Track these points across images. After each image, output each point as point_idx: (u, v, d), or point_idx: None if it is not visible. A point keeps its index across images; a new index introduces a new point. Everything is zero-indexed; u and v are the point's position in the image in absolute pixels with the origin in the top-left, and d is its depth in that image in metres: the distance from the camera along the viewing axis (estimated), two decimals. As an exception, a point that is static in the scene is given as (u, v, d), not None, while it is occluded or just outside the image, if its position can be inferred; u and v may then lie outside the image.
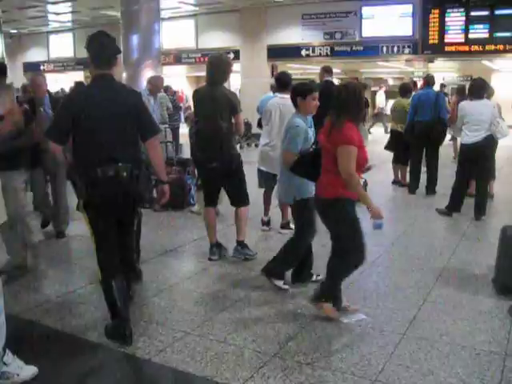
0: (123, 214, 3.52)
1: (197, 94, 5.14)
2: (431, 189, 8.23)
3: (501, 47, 14.60)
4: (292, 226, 6.13)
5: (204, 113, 4.98)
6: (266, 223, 6.19)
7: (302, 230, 4.32)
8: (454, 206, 6.83)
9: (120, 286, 3.43)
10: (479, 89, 6.62)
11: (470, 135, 6.49)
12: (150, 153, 3.53)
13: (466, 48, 15.08)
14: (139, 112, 3.49)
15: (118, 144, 3.35)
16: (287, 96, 5.93)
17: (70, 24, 22.02)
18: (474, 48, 14.98)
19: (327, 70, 7.73)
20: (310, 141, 4.21)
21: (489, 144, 6.60)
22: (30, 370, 3.02)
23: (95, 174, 3.26)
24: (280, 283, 4.34)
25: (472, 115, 6.48)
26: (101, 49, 3.45)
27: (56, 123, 3.48)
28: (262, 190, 6.20)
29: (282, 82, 5.92)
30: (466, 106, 6.64)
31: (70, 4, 17.99)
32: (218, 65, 4.92)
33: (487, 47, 14.78)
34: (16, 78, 22.93)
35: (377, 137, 16.66)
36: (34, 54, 24.49)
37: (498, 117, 6.63)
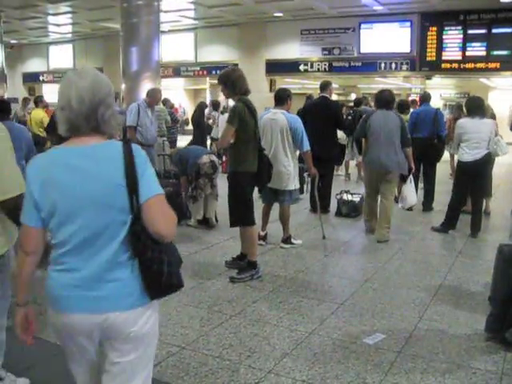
0: None
1: None
2: (428, 205, 8.24)
3: (498, 65, 14.74)
4: (294, 240, 6.12)
5: None
6: (263, 238, 6.16)
7: None
8: (449, 224, 6.83)
9: None
10: (478, 106, 6.62)
11: (470, 153, 6.43)
12: None
13: (464, 65, 15.21)
14: None
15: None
16: (279, 111, 6.03)
17: (70, 35, 22.13)
18: (472, 66, 15.11)
19: (321, 87, 7.93)
20: None
21: (487, 162, 6.64)
22: (23, 383, 3.00)
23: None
24: None
25: (472, 133, 6.43)
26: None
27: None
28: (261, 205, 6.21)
29: (277, 98, 6.12)
30: (466, 123, 6.59)
31: (70, 16, 18.09)
32: (225, 80, 4.89)
33: (484, 65, 14.92)
34: (15, 87, 23.05)
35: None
36: (34, 65, 24.60)
37: (497, 134, 6.65)
